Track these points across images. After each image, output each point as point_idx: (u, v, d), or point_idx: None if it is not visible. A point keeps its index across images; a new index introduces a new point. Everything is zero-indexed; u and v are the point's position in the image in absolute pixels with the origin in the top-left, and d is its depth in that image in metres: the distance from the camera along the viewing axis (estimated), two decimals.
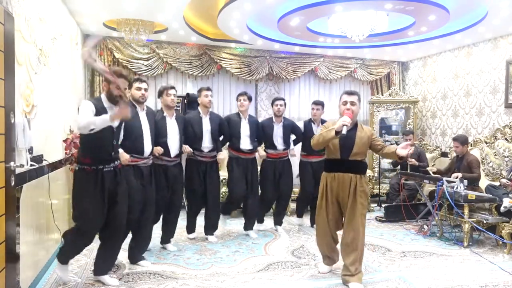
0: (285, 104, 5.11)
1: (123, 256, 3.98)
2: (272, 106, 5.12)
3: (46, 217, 3.65)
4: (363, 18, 4.95)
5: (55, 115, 4.08)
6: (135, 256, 3.89)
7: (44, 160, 3.51)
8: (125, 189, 3.40)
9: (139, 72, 6.55)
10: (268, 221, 5.33)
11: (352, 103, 3.29)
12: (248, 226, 5.04)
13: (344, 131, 3.06)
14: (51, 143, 3.92)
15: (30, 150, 3.15)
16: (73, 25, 5.37)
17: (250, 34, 6.06)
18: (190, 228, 4.80)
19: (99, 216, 3.20)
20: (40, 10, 3.64)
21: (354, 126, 3.36)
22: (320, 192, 3.49)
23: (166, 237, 4.44)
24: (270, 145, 5.05)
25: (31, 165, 3.15)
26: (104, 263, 3.46)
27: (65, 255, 3.33)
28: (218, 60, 6.99)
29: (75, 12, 5.12)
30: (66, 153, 4.31)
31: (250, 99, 4.89)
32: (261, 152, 5.04)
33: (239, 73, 7.14)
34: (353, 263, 3.33)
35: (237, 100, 4.91)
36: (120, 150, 3.49)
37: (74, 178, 3.26)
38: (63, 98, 4.48)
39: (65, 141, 4.29)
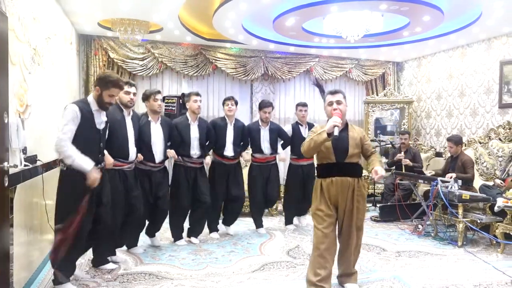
0: (272, 107, 5.10)
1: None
2: (260, 111, 5.07)
3: (40, 217, 3.62)
4: (358, 18, 4.97)
5: (49, 115, 4.06)
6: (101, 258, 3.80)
7: (38, 160, 3.49)
8: (109, 190, 3.42)
9: (134, 72, 6.54)
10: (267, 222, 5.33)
11: (338, 102, 3.07)
12: (227, 222, 5.06)
13: (336, 132, 2.84)
14: (45, 143, 3.89)
15: (24, 150, 3.13)
16: (68, 24, 5.34)
17: (246, 34, 6.06)
18: (176, 235, 4.63)
19: (87, 217, 3.15)
20: (34, 9, 3.62)
21: (345, 127, 3.16)
22: (315, 200, 3.17)
23: (153, 232, 4.47)
24: (257, 149, 5.03)
25: (25, 165, 3.13)
26: (103, 253, 3.65)
27: (62, 274, 3.17)
28: (214, 60, 6.99)
29: (70, 11, 5.10)
30: None
31: (236, 103, 4.88)
32: (245, 156, 5.04)
33: (234, 73, 7.14)
34: (348, 265, 3.28)
35: (224, 104, 4.86)
36: (105, 153, 3.49)
37: (60, 179, 3.21)
38: (57, 98, 4.45)
39: None
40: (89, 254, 3.84)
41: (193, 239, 4.68)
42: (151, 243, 4.50)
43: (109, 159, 3.52)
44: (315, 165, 3.52)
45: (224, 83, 7.29)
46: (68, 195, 3.12)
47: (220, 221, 5.12)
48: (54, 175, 4.15)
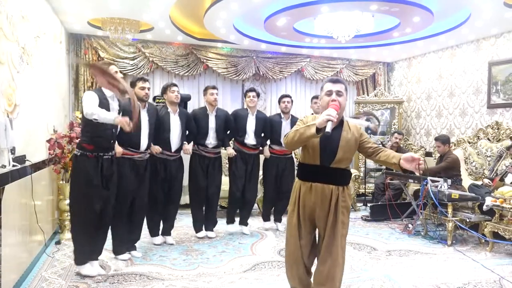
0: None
1: (107, 256, 3.96)
2: (280, 103, 5.13)
3: (29, 218, 3.59)
4: (349, 19, 5.00)
5: (38, 114, 4.02)
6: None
7: (27, 160, 3.45)
8: (116, 178, 3.62)
9: (124, 72, 6.48)
10: (255, 221, 5.33)
11: (339, 93, 2.54)
12: (242, 221, 5.08)
13: (328, 129, 2.30)
14: (34, 143, 3.85)
15: (13, 151, 3.09)
16: (57, 23, 5.29)
17: (237, 34, 6.05)
18: (198, 227, 4.82)
19: (98, 199, 3.42)
20: (23, 7, 3.57)
21: (340, 124, 2.59)
22: (291, 205, 2.71)
23: (167, 230, 4.60)
24: (276, 141, 5.05)
25: (14, 165, 3.10)
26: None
27: (80, 253, 3.48)
28: (205, 60, 6.97)
29: (59, 10, 5.05)
30: (50, 153, 4.24)
31: (258, 95, 5.02)
32: (265, 152, 5.08)
33: (225, 73, 7.13)
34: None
35: (245, 96, 5.00)
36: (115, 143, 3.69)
37: (73, 163, 3.48)
38: (46, 97, 4.41)
39: (48, 141, 4.22)
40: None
41: (209, 233, 4.82)
42: (167, 242, 4.58)
43: (118, 148, 3.73)
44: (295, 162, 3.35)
45: (216, 83, 7.25)
46: (81, 177, 3.39)
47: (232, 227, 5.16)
48: (43, 175, 4.13)
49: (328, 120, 2.31)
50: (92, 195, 3.39)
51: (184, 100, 6.02)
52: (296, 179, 2.75)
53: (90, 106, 3.26)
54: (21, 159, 3.30)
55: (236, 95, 7.41)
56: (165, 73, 6.92)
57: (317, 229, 2.72)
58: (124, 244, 4.00)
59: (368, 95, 7.86)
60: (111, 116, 3.28)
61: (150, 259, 4.07)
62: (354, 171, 6.77)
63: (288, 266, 2.78)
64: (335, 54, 7.64)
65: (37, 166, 3.82)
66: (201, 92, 6.98)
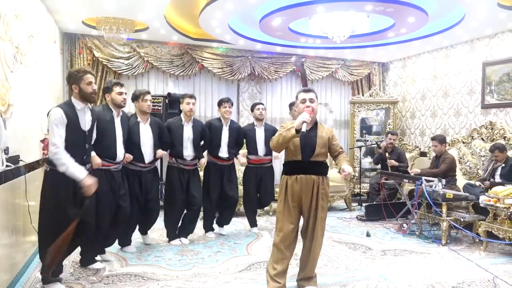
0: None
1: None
2: (253, 110, 5.08)
3: (23, 219, 3.56)
4: (344, 19, 5.01)
5: (32, 114, 3.99)
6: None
7: (21, 160, 3.43)
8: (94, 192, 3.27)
9: (119, 71, 6.47)
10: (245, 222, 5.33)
11: (311, 100, 3.14)
12: (221, 222, 5.05)
13: (304, 129, 2.89)
14: (28, 143, 3.83)
15: (6, 151, 3.08)
16: (51, 23, 5.26)
17: (232, 34, 6.04)
18: (171, 235, 4.64)
19: (68, 217, 3.05)
20: (17, 7, 3.55)
21: (315, 126, 3.18)
22: (280, 196, 3.19)
23: (142, 229, 4.51)
24: (253, 150, 5.01)
25: (7, 166, 3.08)
26: (90, 253, 3.65)
27: (50, 271, 3.16)
28: (200, 60, 6.96)
29: (53, 9, 5.02)
30: (44, 153, 4.22)
31: (232, 104, 4.90)
32: (241, 159, 5.00)
33: (221, 73, 7.12)
34: (310, 268, 3.26)
35: (220, 106, 4.83)
36: (93, 153, 3.48)
37: (44, 179, 3.17)
38: (40, 97, 4.38)
39: (42, 141, 4.20)
40: (73, 256, 3.80)
41: (183, 239, 4.65)
42: (143, 241, 4.53)
43: (96, 160, 3.52)
44: (276, 164, 3.52)
45: (211, 82, 7.26)
46: (52, 196, 3.08)
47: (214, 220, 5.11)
48: (37, 176, 4.09)
49: (303, 122, 2.91)
50: (62, 212, 3.04)
51: (179, 100, 6.01)
52: (283, 175, 3.22)
53: (61, 151, 2.98)
54: (14, 159, 3.28)
55: (231, 95, 7.35)
56: (160, 73, 6.90)
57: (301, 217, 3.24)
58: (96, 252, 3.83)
59: (363, 95, 7.88)
60: (80, 176, 3.02)
61: (145, 259, 4.05)
62: (356, 173, 6.76)
63: (283, 246, 3.12)
64: (330, 54, 7.65)
65: (31, 166, 3.79)
66: (196, 92, 7.03)
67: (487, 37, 6.07)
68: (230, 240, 4.79)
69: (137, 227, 4.44)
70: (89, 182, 3.06)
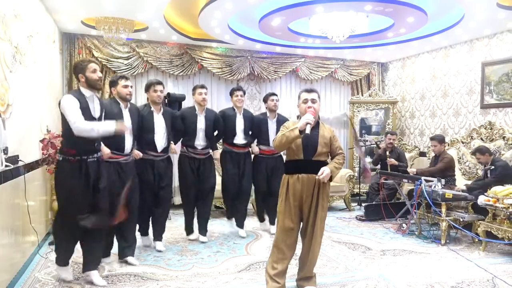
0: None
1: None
2: (266, 101, 5.04)
3: (22, 219, 3.56)
4: (343, 19, 5.01)
5: (31, 114, 3.99)
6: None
7: (20, 160, 3.42)
8: (105, 181, 3.41)
9: (118, 71, 6.46)
10: (250, 221, 5.33)
11: (313, 101, 3.13)
12: (239, 223, 5.01)
13: (307, 130, 2.90)
14: (27, 143, 3.83)
15: (5, 151, 3.07)
16: (51, 22, 5.25)
17: (232, 34, 6.04)
18: (188, 229, 4.75)
19: (84, 204, 3.22)
20: (16, 6, 3.55)
21: (316, 125, 3.16)
22: (281, 195, 3.19)
23: (157, 233, 4.41)
24: (264, 141, 4.99)
25: (6, 166, 3.08)
26: (92, 256, 3.45)
27: (60, 254, 3.39)
28: (199, 60, 6.95)
29: (53, 9, 5.02)
30: (43, 153, 4.21)
31: (244, 93, 4.97)
32: (254, 148, 5.01)
33: (220, 73, 7.12)
34: (309, 267, 3.29)
35: (232, 95, 4.90)
36: (101, 145, 3.52)
37: (56, 168, 3.32)
38: (39, 97, 4.38)
39: (42, 141, 4.20)
40: (73, 256, 3.79)
41: (201, 237, 4.68)
42: (142, 243, 4.45)
43: (105, 150, 3.58)
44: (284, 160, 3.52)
45: (210, 82, 7.25)
46: (67, 182, 3.20)
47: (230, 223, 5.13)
48: (36, 176, 4.10)
49: (307, 123, 2.92)
50: (76, 201, 3.18)
51: (178, 100, 6.02)
52: (284, 174, 3.22)
53: (82, 122, 3.10)
54: (14, 159, 3.28)
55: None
56: (160, 73, 6.89)
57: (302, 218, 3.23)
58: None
59: (362, 95, 7.88)
60: (111, 128, 3.22)
61: (144, 259, 4.05)
62: (348, 171, 6.79)
63: (284, 246, 3.14)
64: (329, 54, 7.65)
65: (30, 166, 3.79)
66: None
67: (486, 37, 6.07)
68: (229, 240, 4.79)
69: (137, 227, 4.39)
70: (120, 126, 3.29)
